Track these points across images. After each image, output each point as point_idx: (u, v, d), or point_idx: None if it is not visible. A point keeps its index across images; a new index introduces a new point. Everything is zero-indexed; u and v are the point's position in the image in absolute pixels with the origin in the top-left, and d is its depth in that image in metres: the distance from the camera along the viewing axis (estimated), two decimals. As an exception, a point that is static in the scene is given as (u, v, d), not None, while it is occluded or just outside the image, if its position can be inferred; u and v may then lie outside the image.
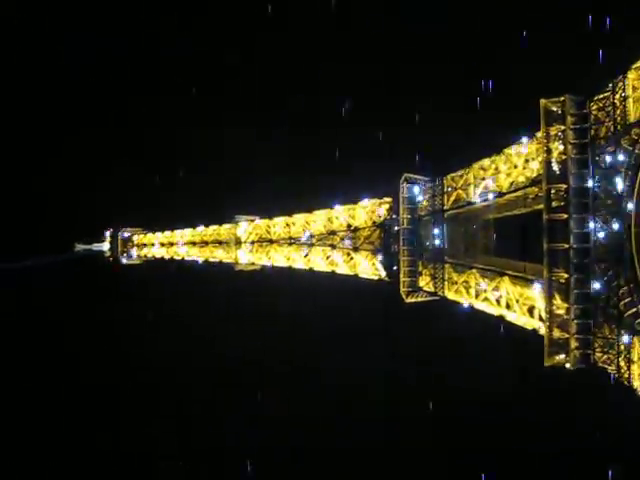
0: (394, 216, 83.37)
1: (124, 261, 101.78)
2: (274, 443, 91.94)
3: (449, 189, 78.85)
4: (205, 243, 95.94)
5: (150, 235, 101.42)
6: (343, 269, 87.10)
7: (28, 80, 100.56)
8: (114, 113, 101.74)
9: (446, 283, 79.55)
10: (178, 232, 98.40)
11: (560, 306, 67.53)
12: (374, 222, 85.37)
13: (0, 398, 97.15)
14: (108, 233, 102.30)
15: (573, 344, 67.28)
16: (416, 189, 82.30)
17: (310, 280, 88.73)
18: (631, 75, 63.41)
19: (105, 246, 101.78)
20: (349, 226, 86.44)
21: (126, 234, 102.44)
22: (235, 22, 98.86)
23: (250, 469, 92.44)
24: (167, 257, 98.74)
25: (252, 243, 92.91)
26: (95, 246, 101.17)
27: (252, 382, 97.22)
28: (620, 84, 63.73)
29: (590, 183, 65.49)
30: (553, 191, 66.82)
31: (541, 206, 67.93)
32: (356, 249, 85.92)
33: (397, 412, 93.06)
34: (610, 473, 77.30)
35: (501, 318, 73.59)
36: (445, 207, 79.30)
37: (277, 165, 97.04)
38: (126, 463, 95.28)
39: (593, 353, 66.99)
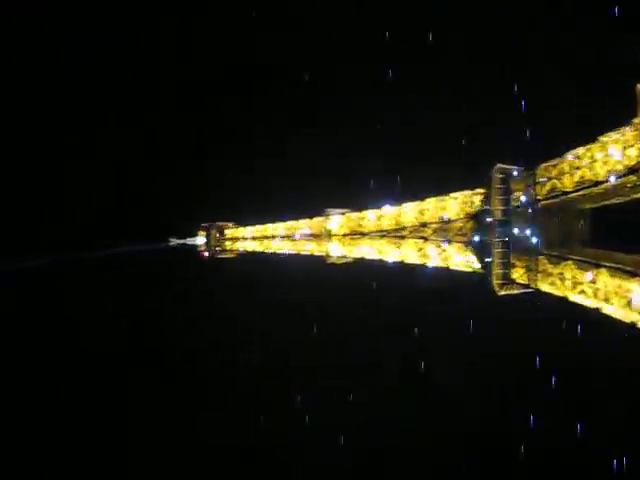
0: (487, 207, 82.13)
1: (218, 255, 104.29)
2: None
3: (543, 179, 76.93)
4: (296, 237, 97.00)
5: (242, 229, 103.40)
6: (435, 261, 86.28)
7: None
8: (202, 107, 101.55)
9: (540, 275, 77.75)
10: (270, 226, 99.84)
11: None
12: (466, 213, 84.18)
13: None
14: (202, 228, 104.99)
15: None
16: (510, 179, 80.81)
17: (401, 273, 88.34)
18: None
19: (199, 240, 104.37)
20: (441, 218, 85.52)
21: (219, 228, 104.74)
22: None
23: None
24: (259, 250, 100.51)
25: (343, 236, 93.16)
26: (189, 240, 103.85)
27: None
28: None
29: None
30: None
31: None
32: (448, 241, 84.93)
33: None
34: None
35: (597, 311, 71.37)
36: (539, 197, 77.48)
37: (366, 158, 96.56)
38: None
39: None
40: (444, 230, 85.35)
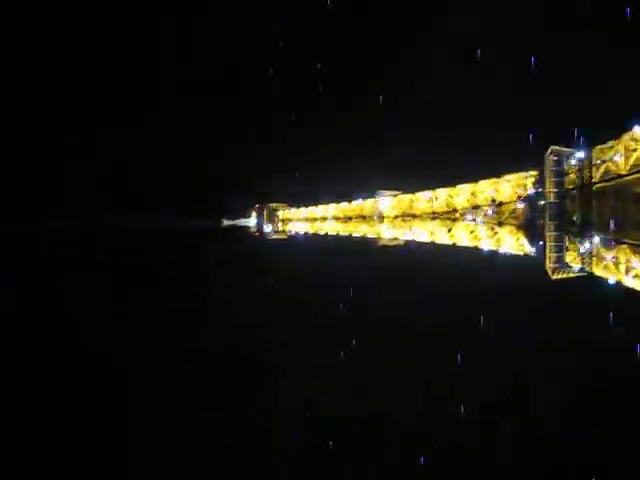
0: (540, 189, 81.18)
1: (270, 236, 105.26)
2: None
3: (598, 161, 75.67)
4: (349, 218, 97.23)
5: (295, 210, 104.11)
6: (487, 244, 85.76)
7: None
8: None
9: (594, 259, 76.73)
10: (321, 207, 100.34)
11: None
12: (519, 196, 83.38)
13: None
14: (254, 208, 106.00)
15: None
16: (563, 161, 79.70)
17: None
18: None
19: (251, 221, 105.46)
20: (493, 200, 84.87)
21: (272, 209, 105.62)
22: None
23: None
24: (311, 232, 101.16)
25: (395, 218, 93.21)
26: (241, 221, 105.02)
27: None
28: None
29: None
30: None
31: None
32: (500, 224, 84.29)
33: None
34: None
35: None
36: (593, 180, 76.25)
37: (417, 138, 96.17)
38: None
39: None
40: (496, 213, 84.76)
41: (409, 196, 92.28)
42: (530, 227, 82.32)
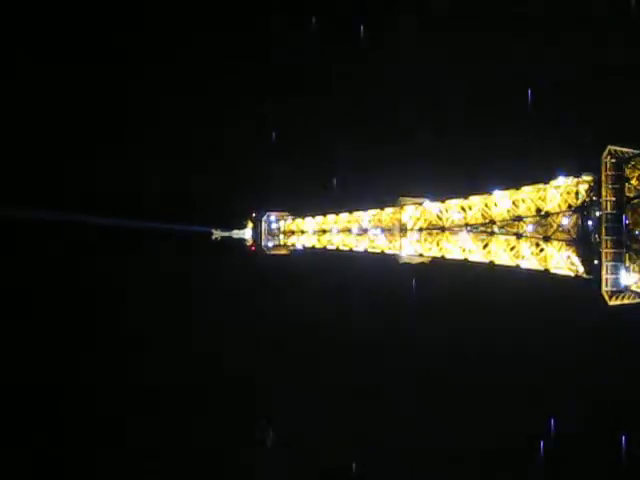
0: (595, 198, 68.01)
1: (269, 251, 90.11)
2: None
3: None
4: (364, 230, 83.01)
5: (299, 221, 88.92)
6: (530, 263, 72.24)
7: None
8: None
9: (662, 283, 63.64)
10: (331, 218, 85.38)
11: None
12: (569, 205, 70.21)
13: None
14: (250, 218, 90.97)
15: None
16: (624, 165, 66.87)
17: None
18: None
19: (247, 233, 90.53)
20: (538, 210, 71.53)
21: (272, 219, 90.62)
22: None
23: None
24: (319, 247, 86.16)
25: (420, 230, 79.22)
26: (235, 233, 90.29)
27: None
28: None
29: None
30: None
31: None
32: (547, 239, 70.89)
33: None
34: None
35: None
36: (663, 186, 63.27)
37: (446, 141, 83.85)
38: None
39: None
40: (542, 225, 71.40)
41: (437, 204, 78.25)
42: (583, 243, 69.09)
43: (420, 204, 79.25)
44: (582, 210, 69.28)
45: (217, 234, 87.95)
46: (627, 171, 67.42)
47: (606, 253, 67.53)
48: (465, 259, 75.44)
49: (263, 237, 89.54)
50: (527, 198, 72.51)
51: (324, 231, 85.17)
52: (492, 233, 74.02)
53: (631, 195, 67.34)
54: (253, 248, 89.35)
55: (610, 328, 72.60)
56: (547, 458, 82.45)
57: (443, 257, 77.06)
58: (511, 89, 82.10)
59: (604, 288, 67.71)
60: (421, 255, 78.72)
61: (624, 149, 67.81)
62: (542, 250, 71.47)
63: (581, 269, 69.51)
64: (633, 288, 67.65)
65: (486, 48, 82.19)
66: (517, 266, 72.74)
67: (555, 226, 70.76)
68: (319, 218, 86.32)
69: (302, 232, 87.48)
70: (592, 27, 79.11)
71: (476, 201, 75.17)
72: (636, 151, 67.73)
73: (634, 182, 67.50)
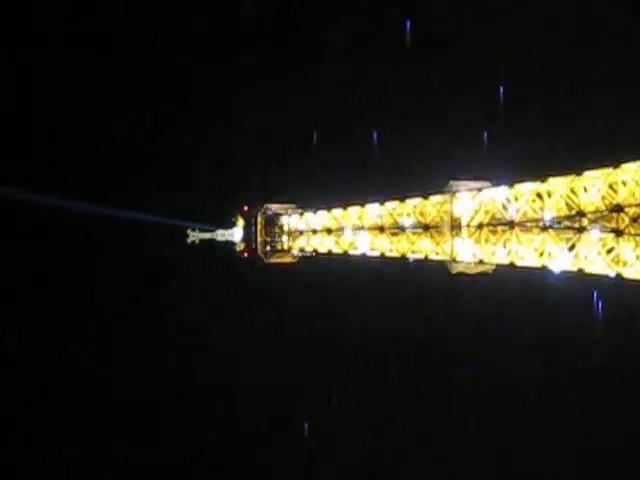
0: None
1: (268, 259, 67.83)
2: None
3: None
4: (400, 229, 61.62)
5: (308, 215, 66.95)
6: (637, 271, 51.22)
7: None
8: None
9: None
10: (353, 211, 63.76)
11: None
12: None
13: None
14: (241, 214, 68.42)
15: None
16: None
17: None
18: None
19: (236, 234, 68.48)
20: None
21: (270, 214, 68.14)
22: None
23: None
24: (337, 252, 64.35)
25: (479, 228, 58.23)
26: (220, 233, 68.48)
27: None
28: None
29: None
30: None
31: None
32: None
33: None
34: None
35: None
36: None
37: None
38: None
39: None
40: (658, 218, 50.42)
41: (503, 190, 57.41)
42: None
43: (479, 190, 58.33)
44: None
45: (194, 235, 66.93)
46: None
47: None
48: (543, 267, 54.45)
49: (259, 239, 67.68)
50: (630, 180, 51.52)
51: (342, 229, 63.47)
52: (581, 229, 52.98)
53: None
54: (246, 254, 67.80)
55: None
56: None
57: (513, 264, 56.01)
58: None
59: None
60: (481, 262, 57.74)
61: None
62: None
63: None
64: None
65: None
66: (618, 275, 51.76)
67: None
68: (337, 211, 64.86)
69: (313, 232, 65.68)
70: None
71: (558, 185, 54.16)
72: None
73: None
